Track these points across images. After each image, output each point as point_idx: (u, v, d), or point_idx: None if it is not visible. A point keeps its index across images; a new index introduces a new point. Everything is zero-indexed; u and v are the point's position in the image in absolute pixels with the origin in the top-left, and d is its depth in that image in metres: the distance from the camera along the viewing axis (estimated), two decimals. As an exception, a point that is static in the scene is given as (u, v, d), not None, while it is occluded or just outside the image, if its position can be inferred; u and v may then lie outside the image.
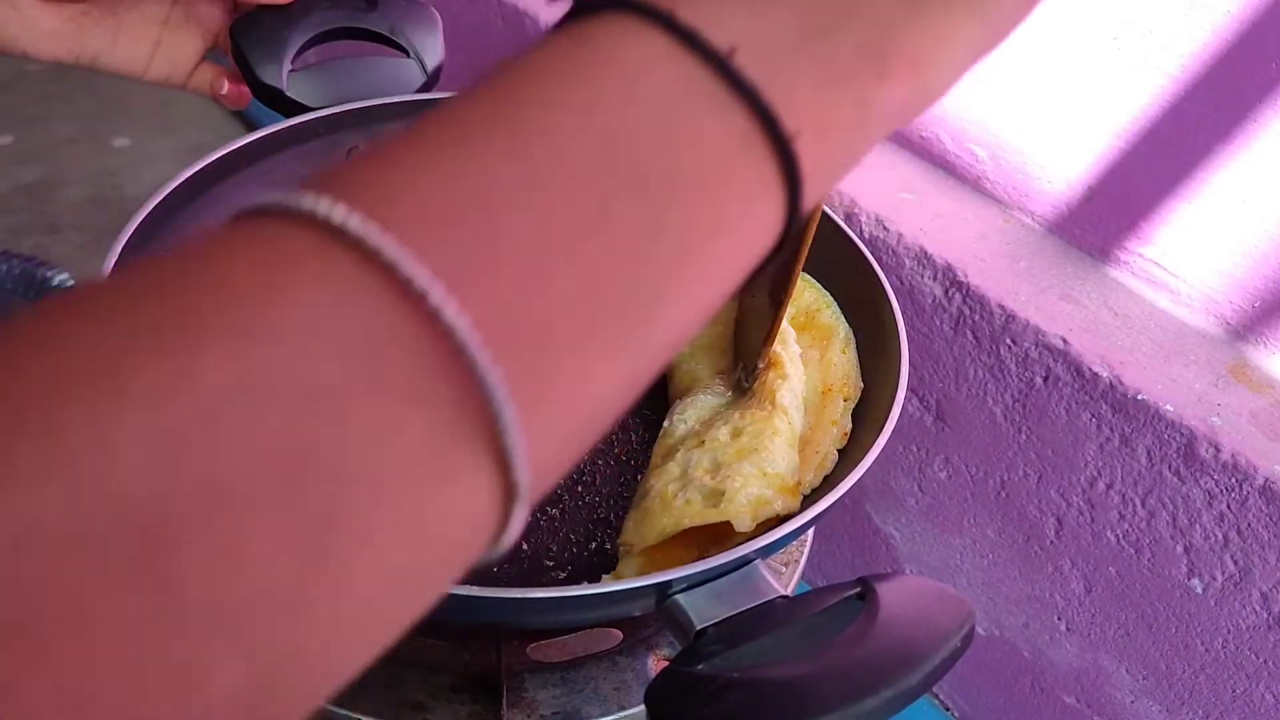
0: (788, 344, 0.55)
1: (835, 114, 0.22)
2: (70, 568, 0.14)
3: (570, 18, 0.21)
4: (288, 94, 0.59)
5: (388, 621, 0.19)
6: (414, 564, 0.18)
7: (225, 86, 0.59)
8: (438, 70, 0.62)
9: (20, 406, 0.14)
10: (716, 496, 0.47)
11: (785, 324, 0.56)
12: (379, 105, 0.60)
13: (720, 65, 0.20)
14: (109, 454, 0.14)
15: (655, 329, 0.20)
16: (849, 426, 0.55)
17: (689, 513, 0.47)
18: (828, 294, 0.62)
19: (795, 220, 0.22)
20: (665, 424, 0.53)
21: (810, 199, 0.22)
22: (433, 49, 0.60)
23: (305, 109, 0.60)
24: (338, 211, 0.16)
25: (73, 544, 0.14)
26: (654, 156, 0.19)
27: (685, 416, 0.53)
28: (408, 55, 0.60)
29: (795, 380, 0.53)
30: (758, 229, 0.22)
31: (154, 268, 0.16)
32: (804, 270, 0.59)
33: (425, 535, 0.18)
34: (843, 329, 0.60)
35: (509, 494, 0.18)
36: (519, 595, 0.40)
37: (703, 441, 0.50)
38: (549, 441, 0.18)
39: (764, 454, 0.48)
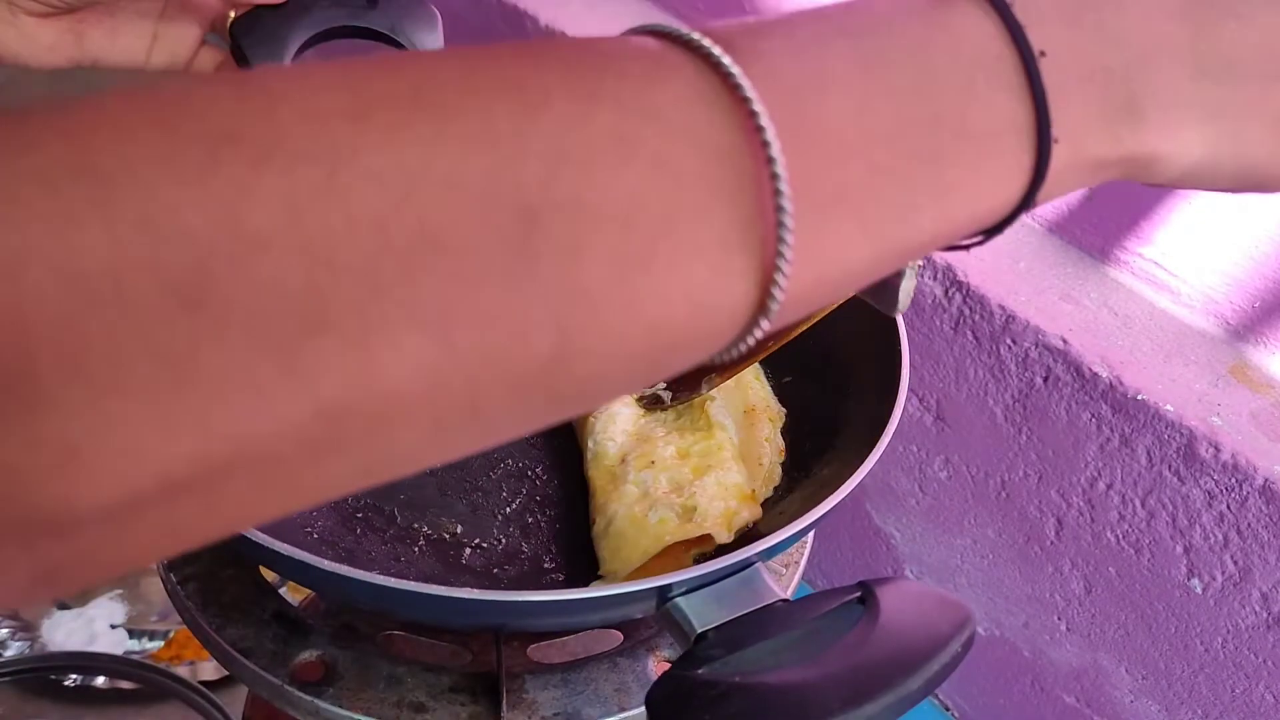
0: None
1: (1089, 142, 0.25)
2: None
3: None
4: None
5: (612, 377, 0.22)
6: (663, 328, 0.21)
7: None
8: None
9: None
10: (689, 512, 0.48)
11: None
12: None
13: (1028, 67, 0.23)
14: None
15: (899, 236, 0.23)
16: (782, 444, 0.58)
17: (668, 530, 0.48)
18: None
19: (1014, 217, 0.25)
20: (590, 445, 0.53)
21: (1043, 198, 0.25)
22: (434, 48, 0.60)
23: None
24: (712, 46, 0.21)
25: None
26: (950, 105, 0.23)
27: (611, 435, 0.53)
28: (400, 46, 0.60)
29: (719, 398, 0.56)
30: (992, 203, 0.24)
31: (568, 44, 0.21)
32: None
33: (685, 307, 0.21)
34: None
35: (761, 309, 0.21)
36: (520, 598, 0.40)
37: (652, 462, 0.51)
38: (799, 284, 0.21)
39: (721, 470, 0.51)
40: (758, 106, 0.20)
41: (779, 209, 0.20)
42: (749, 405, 0.59)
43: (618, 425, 0.54)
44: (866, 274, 0.24)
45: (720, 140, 0.20)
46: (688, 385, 0.53)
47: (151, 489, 0.17)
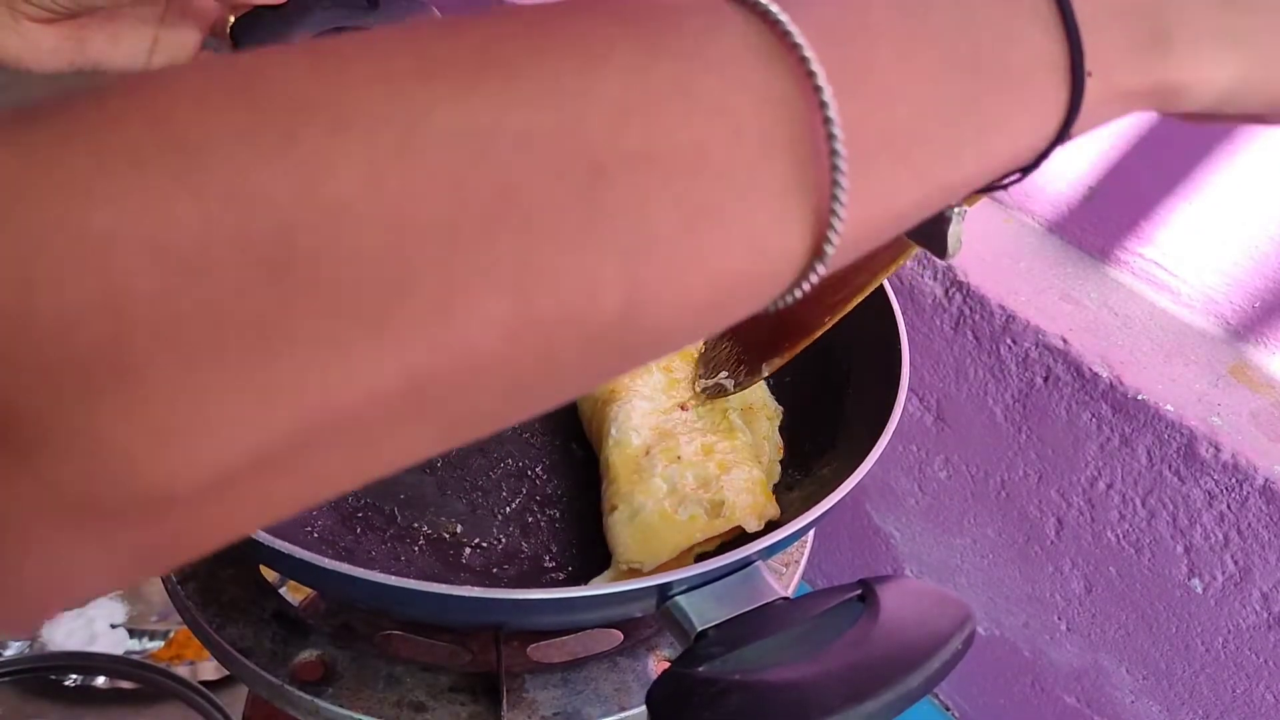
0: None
1: (1120, 74, 0.25)
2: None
3: None
4: None
5: (678, 327, 0.22)
6: (727, 275, 0.21)
7: None
8: None
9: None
10: (717, 507, 0.49)
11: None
12: None
13: (1061, 4, 0.24)
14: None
15: (944, 176, 0.24)
16: (780, 442, 0.58)
17: (698, 526, 0.49)
18: None
19: (1049, 152, 0.26)
20: (612, 431, 0.54)
21: (1076, 132, 0.26)
22: None
23: None
24: (771, 4, 0.21)
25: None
26: (989, 46, 0.24)
27: (636, 427, 0.54)
28: None
29: (734, 400, 0.57)
30: (1032, 139, 0.25)
31: (625, 1, 0.21)
32: None
33: (748, 254, 0.21)
34: None
35: (817, 252, 0.22)
36: (520, 596, 0.40)
37: (678, 457, 0.52)
38: (852, 227, 0.22)
39: (744, 466, 0.52)
40: (808, 52, 0.21)
41: (833, 153, 0.21)
42: (747, 404, 0.59)
43: (638, 416, 0.54)
44: (914, 215, 0.24)
45: (775, 89, 0.21)
46: (750, 369, 0.54)
47: (246, 462, 0.17)
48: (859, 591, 0.39)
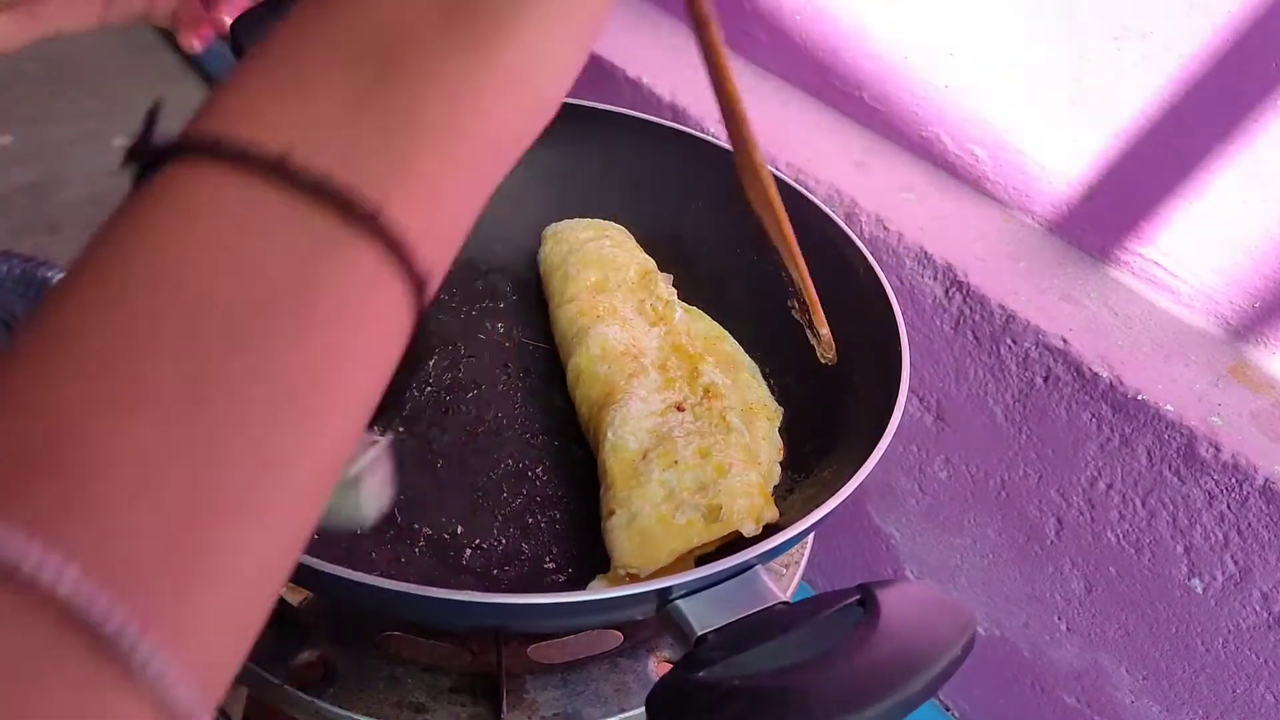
0: (716, 371, 0.59)
1: (420, 160, 0.21)
2: None
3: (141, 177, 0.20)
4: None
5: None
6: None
7: (191, 25, 0.58)
8: None
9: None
10: (714, 511, 0.49)
11: (706, 356, 0.61)
12: None
13: (279, 172, 0.19)
14: None
15: (293, 480, 0.19)
16: (780, 443, 0.59)
17: (696, 531, 0.49)
18: (719, 326, 0.66)
19: (426, 289, 0.21)
20: (609, 435, 0.54)
21: (438, 254, 0.21)
22: None
23: None
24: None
25: None
26: (234, 299, 0.18)
27: (633, 430, 0.54)
28: None
29: (733, 401, 0.57)
30: (386, 317, 0.21)
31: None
32: (711, 302, 0.67)
33: None
34: (746, 359, 0.65)
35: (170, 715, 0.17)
36: (520, 600, 0.40)
37: (675, 461, 0.52)
38: (209, 646, 0.18)
39: (740, 469, 0.52)
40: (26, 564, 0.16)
41: (108, 638, 0.17)
42: (747, 404, 0.59)
43: (634, 419, 0.54)
44: (301, 524, 0.21)
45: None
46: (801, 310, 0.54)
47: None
48: (858, 596, 0.39)
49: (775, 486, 0.56)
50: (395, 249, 0.20)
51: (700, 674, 0.36)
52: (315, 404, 0.19)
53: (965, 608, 0.39)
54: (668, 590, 0.40)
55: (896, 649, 0.36)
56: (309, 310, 0.19)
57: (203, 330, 0.18)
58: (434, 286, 0.22)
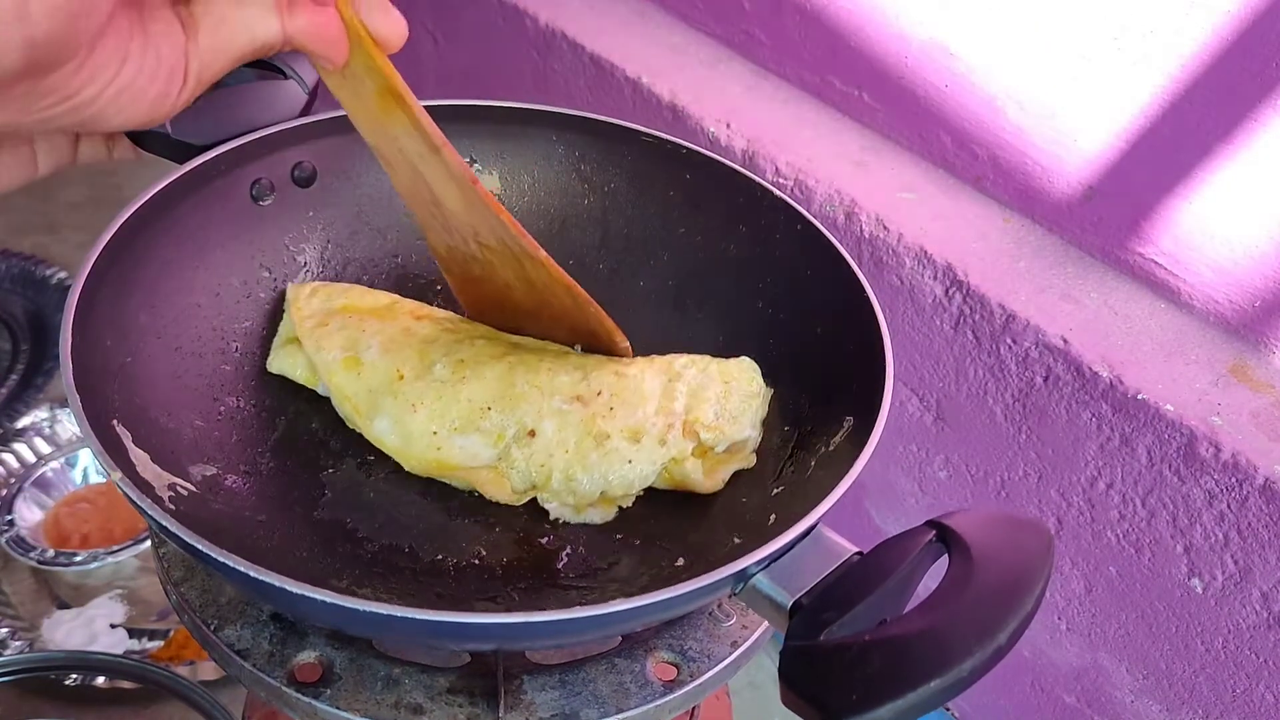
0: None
1: None
2: None
3: None
4: (173, 136, 0.58)
5: None
6: None
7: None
8: (316, 87, 0.59)
9: None
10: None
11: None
12: (277, 132, 0.59)
13: None
14: None
15: None
16: (760, 434, 0.57)
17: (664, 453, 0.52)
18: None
19: None
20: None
21: None
22: (308, 67, 0.58)
23: (192, 148, 0.59)
24: None
25: None
26: None
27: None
28: (285, 76, 0.59)
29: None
30: None
31: None
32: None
33: None
34: None
35: None
36: (596, 612, 0.38)
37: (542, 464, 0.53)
38: None
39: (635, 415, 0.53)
40: None
41: None
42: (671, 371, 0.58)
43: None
44: None
45: None
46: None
47: None
48: (934, 534, 0.39)
49: (776, 488, 0.55)
50: None
51: (822, 638, 0.36)
52: None
53: (1039, 520, 0.39)
54: (743, 571, 0.39)
55: (999, 573, 0.36)
56: None
57: None
58: None
